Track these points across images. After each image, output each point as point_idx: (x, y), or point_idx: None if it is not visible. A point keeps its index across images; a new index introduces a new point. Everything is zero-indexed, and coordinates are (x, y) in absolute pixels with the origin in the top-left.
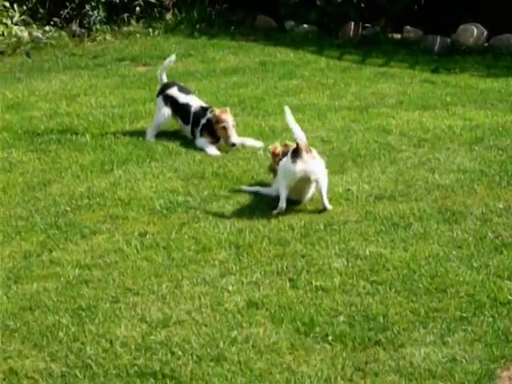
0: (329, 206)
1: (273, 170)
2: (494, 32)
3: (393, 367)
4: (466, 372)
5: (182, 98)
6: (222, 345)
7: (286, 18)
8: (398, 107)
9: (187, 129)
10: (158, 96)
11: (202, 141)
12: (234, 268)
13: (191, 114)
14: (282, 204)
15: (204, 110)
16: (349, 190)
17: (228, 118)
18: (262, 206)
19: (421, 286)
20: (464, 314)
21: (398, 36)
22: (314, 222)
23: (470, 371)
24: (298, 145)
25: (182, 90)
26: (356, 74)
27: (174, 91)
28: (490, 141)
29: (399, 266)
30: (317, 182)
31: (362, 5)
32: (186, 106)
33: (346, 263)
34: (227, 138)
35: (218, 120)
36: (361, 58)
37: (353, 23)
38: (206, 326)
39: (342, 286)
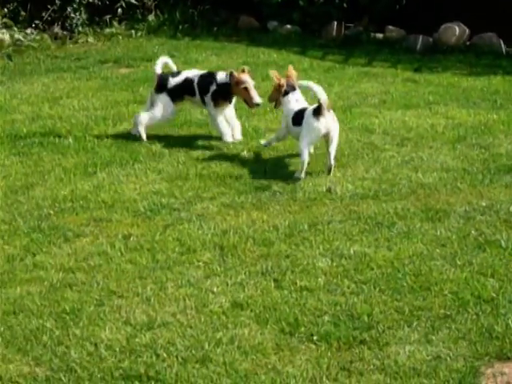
0: (333, 163)
1: (276, 101)
2: (475, 31)
3: (378, 366)
4: (451, 370)
5: (178, 78)
6: (207, 346)
7: (269, 19)
8: (380, 106)
9: (196, 100)
10: (159, 92)
11: (215, 113)
12: (219, 269)
13: (195, 84)
14: (305, 157)
15: (209, 75)
16: (330, 189)
17: (248, 79)
18: (246, 206)
19: (405, 284)
20: (448, 312)
21: (380, 35)
22: (298, 222)
23: (454, 369)
24: (320, 103)
25: (174, 74)
26: (339, 74)
27: (171, 81)
28: (472, 139)
29: (383, 264)
30: (333, 139)
31: (345, 5)
32: (186, 81)
33: (330, 263)
34: (250, 98)
35: (239, 81)
36: (344, 57)
37: (335, 23)
38: (190, 327)
39: (327, 286)
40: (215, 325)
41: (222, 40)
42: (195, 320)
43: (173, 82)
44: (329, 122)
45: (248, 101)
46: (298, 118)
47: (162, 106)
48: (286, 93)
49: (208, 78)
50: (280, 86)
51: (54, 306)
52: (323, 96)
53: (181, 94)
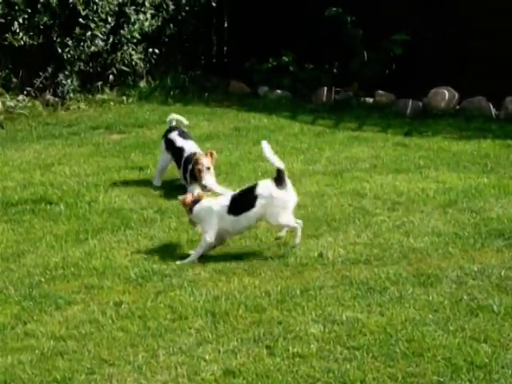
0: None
1: (191, 222)
2: (465, 95)
3: None
4: None
5: (179, 141)
6: None
7: (260, 84)
8: (371, 171)
9: (180, 173)
10: (162, 138)
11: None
12: (211, 336)
13: (183, 159)
14: (295, 224)
15: (193, 155)
16: (322, 254)
17: (204, 161)
18: (238, 271)
19: (398, 350)
20: (441, 379)
21: (370, 100)
22: (290, 288)
23: None
24: (279, 171)
25: (181, 134)
26: (330, 139)
27: (173, 135)
28: (463, 203)
29: (376, 330)
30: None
31: (335, 70)
32: (180, 151)
33: (322, 329)
34: (200, 179)
35: (195, 162)
36: (334, 122)
37: (325, 88)
38: None
39: (319, 352)
40: None
41: (212, 105)
42: None
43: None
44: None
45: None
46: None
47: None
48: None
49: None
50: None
51: (45, 374)
52: (281, 164)
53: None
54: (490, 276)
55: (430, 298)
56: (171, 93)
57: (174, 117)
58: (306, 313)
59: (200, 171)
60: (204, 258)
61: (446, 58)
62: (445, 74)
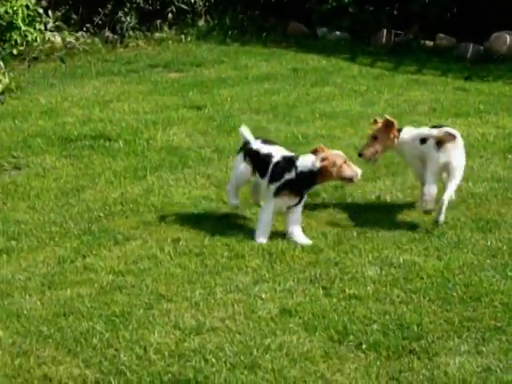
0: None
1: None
2: None
3: (427, 376)
4: (501, 382)
5: (264, 148)
6: (255, 352)
7: (319, 25)
8: (430, 115)
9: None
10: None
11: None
12: (267, 275)
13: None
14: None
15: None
16: (380, 197)
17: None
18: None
19: (455, 294)
20: (498, 324)
21: (430, 43)
22: (347, 230)
23: (504, 381)
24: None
25: (265, 142)
26: (389, 81)
27: (256, 145)
28: None
29: (433, 274)
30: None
31: (395, 12)
32: (267, 157)
33: (379, 271)
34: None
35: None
36: (393, 65)
37: (385, 30)
38: (239, 333)
39: (376, 295)
40: (264, 331)
41: (271, 46)
42: (244, 326)
43: None
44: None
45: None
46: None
47: None
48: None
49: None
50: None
51: (104, 308)
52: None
53: None
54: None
55: (489, 243)
56: (229, 32)
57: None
58: (362, 255)
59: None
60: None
61: (509, 0)
62: (507, 18)
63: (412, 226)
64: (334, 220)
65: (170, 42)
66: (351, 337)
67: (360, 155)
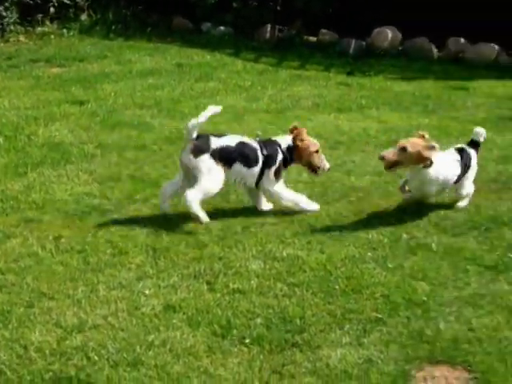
0: None
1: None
2: (408, 35)
3: (309, 369)
4: (382, 373)
5: (231, 140)
6: (138, 349)
7: (203, 20)
8: (313, 110)
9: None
10: (197, 156)
11: (274, 185)
12: (151, 271)
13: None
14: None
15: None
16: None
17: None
18: (179, 208)
19: (337, 287)
20: (379, 315)
21: (313, 39)
22: (231, 225)
23: (385, 372)
24: None
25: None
26: (272, 77)
27: (216, 142)
28: None
29: (316, 267)
30: None
31: (278, 7)
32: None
33: (263, 265)
34: (321, 166)
35: (305, 148)
36: (277, 60)
37: (269, 26)
38: (122, 330)
39: (259, 288)
40: (147, 327)
41: (155, 41)
42: (127, 323)
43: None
44: None
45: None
46: None
47: None
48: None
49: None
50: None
51: None
52: None
53: None
54: (429, 215)
55: (370, 236)
56: (113, 27)
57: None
58: (246, 249)
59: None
60: (144, 196)
61: None
62: (388, 14)
63: (295, 220)
64: (219, 215)
65: (52, 36)
66: (235, 331)
67: (382, 158)
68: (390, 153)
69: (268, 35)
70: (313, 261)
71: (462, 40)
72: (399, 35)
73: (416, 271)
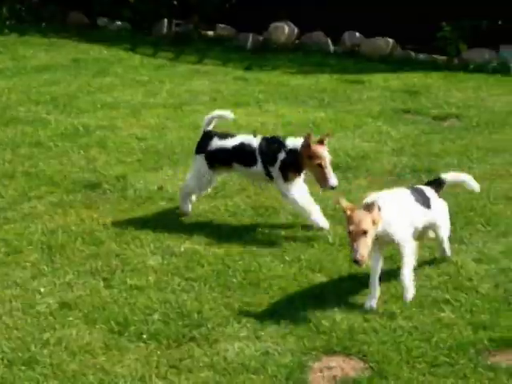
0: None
1: None
2: (304, 29)
3: (207, 363)
4: (279, 365)
5: (230, 142)
6: (33, 348)
7: (99, 15)
8: (211, 104)
9: (256, 171)
10: (196, 153)
11: (288, 188)
12: (46, 269)
13: (257, 152)
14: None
15: (274, 141)
16: (163, 187)
17: (325, 152)
18: (75, 204)
19: (234, 280)
20: (276, 308)
21: (211, 33)
22: (129, 221)
23: (282, 364)
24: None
25: (223, 136)
26: (170, 72)
27: (215, 143)
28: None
29: (214, 262)
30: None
31: (175, 2)
32: (243, 146)
33: (161, 261)
34: (324, 179)
35: (313, 155)
36: (174, 55)
37: (166, 20)
38: (17, 329)
39: (157, 284)
40: (42, 326)
41: (50, 36)
42: (21, 321)
43: None
44: None
45: (320, 181)
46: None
47: None
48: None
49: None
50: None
51: None
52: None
53: None
54: (325, 208)
55: (268, 229)
56: (7, 22)
57: (215, 115)
58: (144, 245)
59: (322, 167)
60: (40, 193)
61: None
62: (285, 8)
63: (193, 215)
64: (115, 211)
65: None
66: (132, 327)
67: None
68: (362, 249)
69: (165, 30)
70: (211, 255)
71: (358, 34)
72: (296, 30)
73: (313, 263)
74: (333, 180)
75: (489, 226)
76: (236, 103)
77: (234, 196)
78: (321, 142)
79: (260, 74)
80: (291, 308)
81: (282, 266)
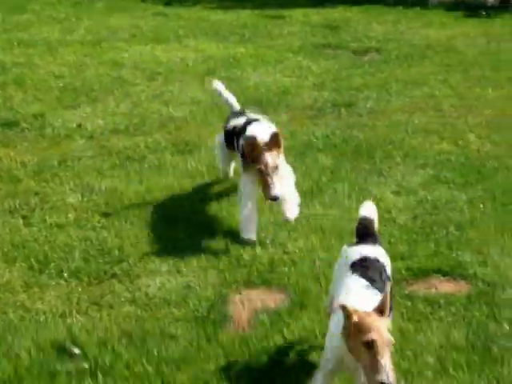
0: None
1: None
2: None
3: (128, 298)
4: (200, 298)
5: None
6: None
7: None
8: (130, 41)
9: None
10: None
11: (243, 178)
12: None
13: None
14: None
15: (244, 125)
16: (81, 125)
17: (269, 158)
18: None
19: (155, 216)
20: (197, 242)
21: None
22: (47, 159)
23: (203, 297)
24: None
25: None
26: (88, 8)
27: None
28: (221, 72)
29: (134, 198)
30: None
31: None
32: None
33: (80, 198)
34: (265, 188)
35: (255, 158)
36: None
37: None
38: None
39: (77, 222)
40: None
41: None
42: None
43: None
44: None
45: (263, 189)
46: None
47: None
48: None
49: None
50: None
51: None
52: None
53: None
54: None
55: (188, 165)
56: None
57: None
58: (63, 183)
59: (266, 176)
60: None
61: None
62: None
63: (113, 153)
64: (34, 149)
65: None
66: (52, 265)
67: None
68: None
69: None
70: (131, 192)
71: None
72: None
73: (233, 199)
74: (275, 190)
75: (407, 159)
76: (155, 39)
77: (154, 133)
78: (270, 147)
79: (180, 9)
80: (212, 242)
81: (203, 201)
